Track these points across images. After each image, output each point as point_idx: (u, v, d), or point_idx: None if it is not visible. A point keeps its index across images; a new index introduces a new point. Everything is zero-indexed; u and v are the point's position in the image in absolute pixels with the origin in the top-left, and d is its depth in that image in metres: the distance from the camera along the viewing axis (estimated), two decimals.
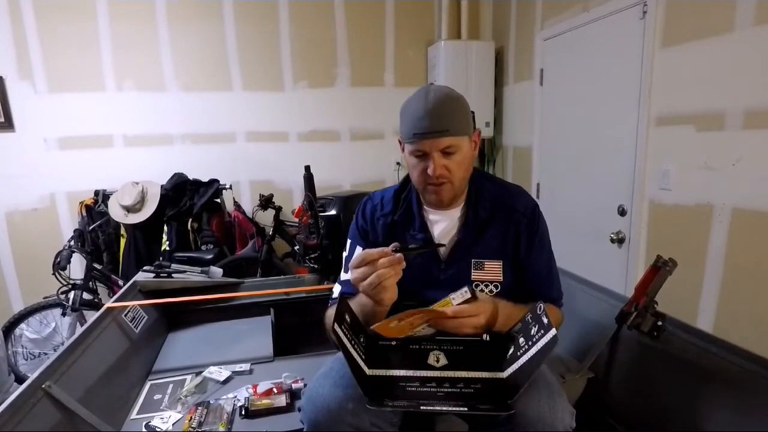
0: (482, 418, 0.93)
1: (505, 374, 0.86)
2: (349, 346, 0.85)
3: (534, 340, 0.83)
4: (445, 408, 0.82)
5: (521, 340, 0.87)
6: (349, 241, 1.16)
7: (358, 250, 1.12)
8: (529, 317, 0.89)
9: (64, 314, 2.36)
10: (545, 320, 0.82)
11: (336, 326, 0.82)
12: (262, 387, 1.36)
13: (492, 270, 1.04)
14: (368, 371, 0.88)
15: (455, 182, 1.00)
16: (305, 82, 3.12)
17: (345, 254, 1.16)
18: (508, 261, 1.06)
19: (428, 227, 1.09)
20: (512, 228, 1.06)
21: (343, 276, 1.13)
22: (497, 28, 3.21)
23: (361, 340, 0.92)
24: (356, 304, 0.97)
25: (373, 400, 0.81)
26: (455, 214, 1.08)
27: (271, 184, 3.14)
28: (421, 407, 0.81)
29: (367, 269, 0.86)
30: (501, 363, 0.90)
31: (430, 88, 0.98)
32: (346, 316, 0.90)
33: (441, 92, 0.96)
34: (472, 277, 1.04)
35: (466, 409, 0.81)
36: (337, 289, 1.13)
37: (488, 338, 1.03)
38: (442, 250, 1.07)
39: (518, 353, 0.86)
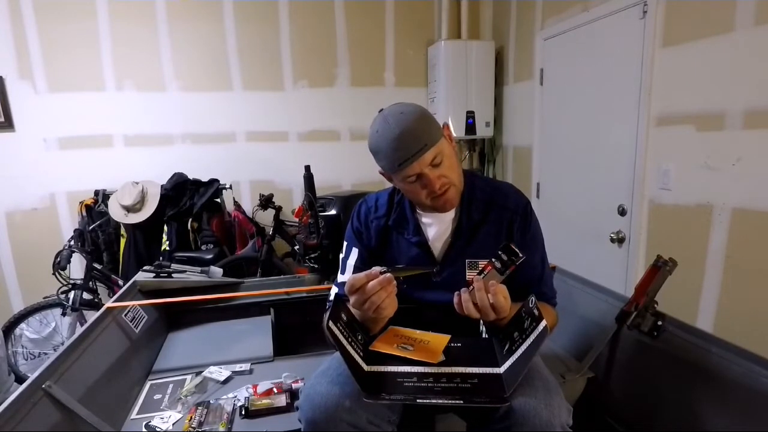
0: (480, 416, 0.94)
1: (502, 369, 0.87)
2: (345, 342, 0.85)
3: (527, 333, 0.84)
4: (441, 401, 0.82)
5: (515, 334, 0.88)
6: (345, 243, 1.17)
7: (354, 252, 1.13)
8: (522, 311, 0.89)
9: (64, 314, 2.37)
10: (536, 312, 0.83)
11: (331, 323, 0.82)
12: (262, 387, 1.36)
13: None
14: (366, 368, 0.88)
15: (456, 183, 1.02)
16: (305, 82, 3.12)
17: (342, 256, 1.16)
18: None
19: (422, 230, 1.09)
20: (505, 226, 1.07)
21: (340, 278, 1.14)
22: (497, 27, 3.21)
23: (359, 337, 0.93)
24: (355, 315, 0.97)
25: (369, 395, 0.81)
26: (448, 216, 1.08)
27: (271, 184, 3.14)
28: (417, 400, 0.82)
29: (360, 295, 0.86)
30: (497, 359, 0.90)
31: (386, 115, 0.97)
32: (343, 315, 0.90)
33: (399, 113, 0.96)
34: (467, 277, 1.05)
35: (462, 402, 0.81)
36: (334, 290, 1.14)
37: (486, 335, 1.04)
38: (436, 252, 1.07)
39: (513, 347, 0.87)
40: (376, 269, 0.87)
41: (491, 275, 0.89)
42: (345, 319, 0.90)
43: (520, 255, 0.87)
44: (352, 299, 0.88)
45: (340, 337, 0.84)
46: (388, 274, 0.86)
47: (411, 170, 0.96)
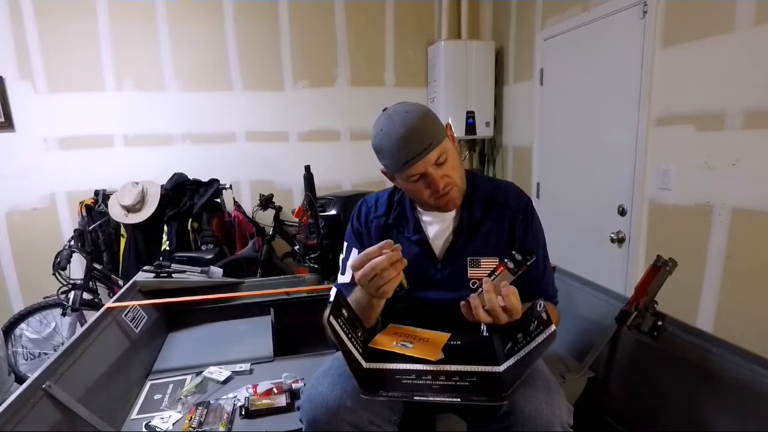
0: (480, 415, 0.94)
1: (502, 368, 0.86)
2: (345, 338, 0.85)
3: (532, 335, 0.83)
4: (438, 398, 0.82)
5: (519, 335, 0.87)
6: (345, 244, 1.16)
7: (354, 252, 1.13)
8: (529, 314, 0.89)
9: (64, 314, 2.37)
10: (545, 316, 0.82)
11: (332, 318, 0.82)
12: (262, 387, 1.36)
13: (488, 267, 1.04)
14: (365, 365, 0.88)
15: (459, 183, 1.02)
16: (305, 82, 3.12)
17: (342, 256, 1.16)
18: (504, 257, 1.06)
19: (423, 228, 1.09)
20: (507, 224, 1.07)
21: (340, 278, 1.13)
22: (497, 27, 3.21)
23: (359, 334, 0.93)
24: (352, 300, 0.97)
25: (367, 391, 0.81)
26: (449, 214, 1.08)
27: (271, 184, 3.14)
28: (415, 397, 0.82)
29: (369, 269, 0.84)
30: (497, 358, 0.90)
31: (391, 114, 0.97)
32: (343, 311, 0.90)
33: (404, 112, 0.95)
34: (469, 275, 1.05)
35: (459, 399, 0.81)
36: (333, 291, 1.13)
37: (487, 333, 1.04)
38: (437, 250, 1.08)
39: (515, 348, 0.86)
40: (389, 241, 0.87)
41: (502, 276, 0.88)
42: (346, 315, 0.90)
43: (533, 254, 0.89)
44: (360, 273, 0.86)
45: (341, 332, 0.84)
46: (398, 252, 0.85)
47: (415, 169, 0.96)
